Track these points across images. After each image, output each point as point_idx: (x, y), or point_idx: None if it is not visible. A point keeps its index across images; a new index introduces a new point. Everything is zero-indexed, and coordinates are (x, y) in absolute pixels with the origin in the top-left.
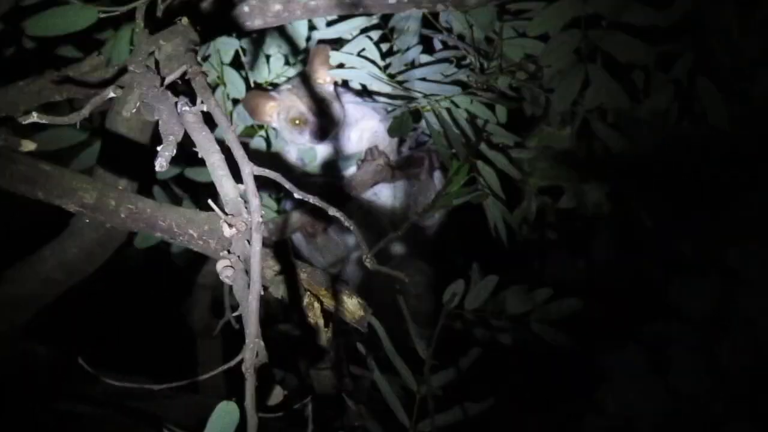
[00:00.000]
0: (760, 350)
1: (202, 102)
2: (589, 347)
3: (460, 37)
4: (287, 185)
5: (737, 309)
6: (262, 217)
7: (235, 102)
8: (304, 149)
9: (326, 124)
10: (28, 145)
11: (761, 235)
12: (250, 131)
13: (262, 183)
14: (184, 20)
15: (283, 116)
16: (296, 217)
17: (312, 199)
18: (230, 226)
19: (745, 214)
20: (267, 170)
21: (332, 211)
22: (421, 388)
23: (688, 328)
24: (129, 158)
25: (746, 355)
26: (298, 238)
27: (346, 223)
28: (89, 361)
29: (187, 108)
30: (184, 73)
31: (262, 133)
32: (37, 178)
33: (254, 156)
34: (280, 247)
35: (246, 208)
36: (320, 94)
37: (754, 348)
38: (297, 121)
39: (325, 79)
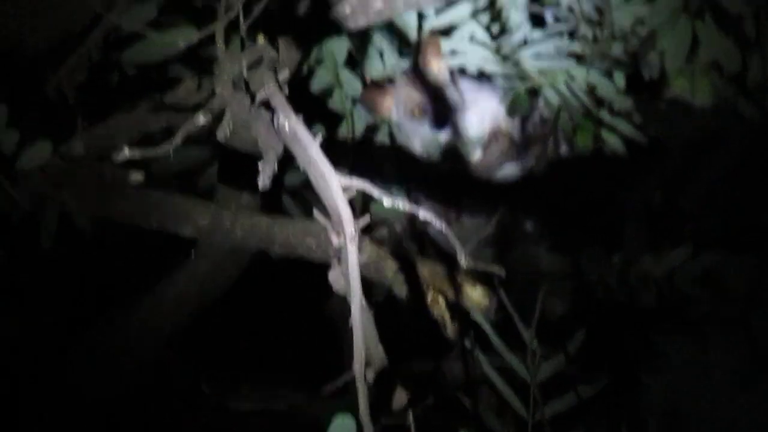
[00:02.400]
0: None
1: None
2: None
3: (570, 9)
4: (375, 193)
5: None
6: (354, 228)
7: (355, 101)
8: (427, 139)
9: (445, 112)
10: (137, 176)
11: None
12: (373, 127)
13: (387, 180)
14: (260, 38)
15: (402, 108)
16: (428, 208)
17: (402, 204)
18: (338, 234)
19: None
20: (354, 180)
21: (422, 215)
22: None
23: (729, 304)
24: (249, 173)
25: None
26: (432, 228)
27: (436, 224)
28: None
29: (283, 122)
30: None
31: (385, 128)
32: (149, 207)
33: (379, 150)
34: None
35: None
36: (436, 83)
37: None
38: (415, 112)
39: (439, 68)
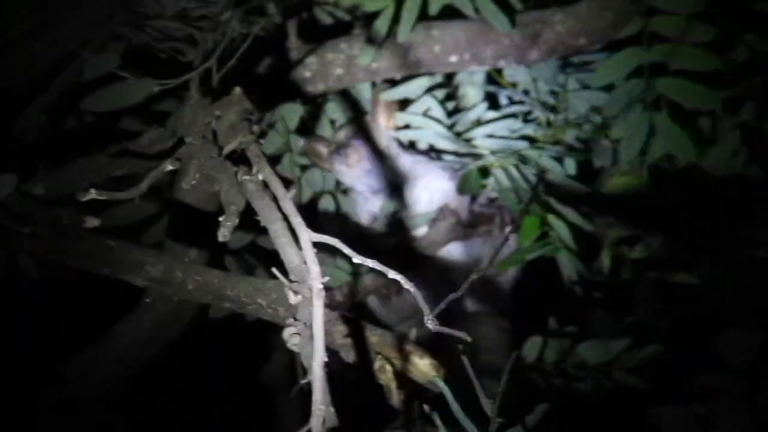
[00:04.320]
0: None
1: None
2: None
3: (526, 92)
4: (346, 250)
5: None
6: (323, 284)
7: (303, 168)
8: (372, 211)
9: (390, 178)
10: (92, 222)
11: None
12: (320, 195)
13: (333, 247)
14: (237, 90)
15: (332, 149)
16: (370, 279)
17: (371, 263)
18: (295, 293)
19: None
20: (325, 236)
21: (391, 275)
22: None
23: (734, 379)
24: (198, 229)
25: None
26: (373, 300)
27: (407, 286)
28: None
29: (247, 177)
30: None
31: (330, 197)
32: (103, 254)
33: (324, 218)
34: (354, 310)
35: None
36: (382, 140)
37: None
38: (353, 161)
39: (387, 124)
